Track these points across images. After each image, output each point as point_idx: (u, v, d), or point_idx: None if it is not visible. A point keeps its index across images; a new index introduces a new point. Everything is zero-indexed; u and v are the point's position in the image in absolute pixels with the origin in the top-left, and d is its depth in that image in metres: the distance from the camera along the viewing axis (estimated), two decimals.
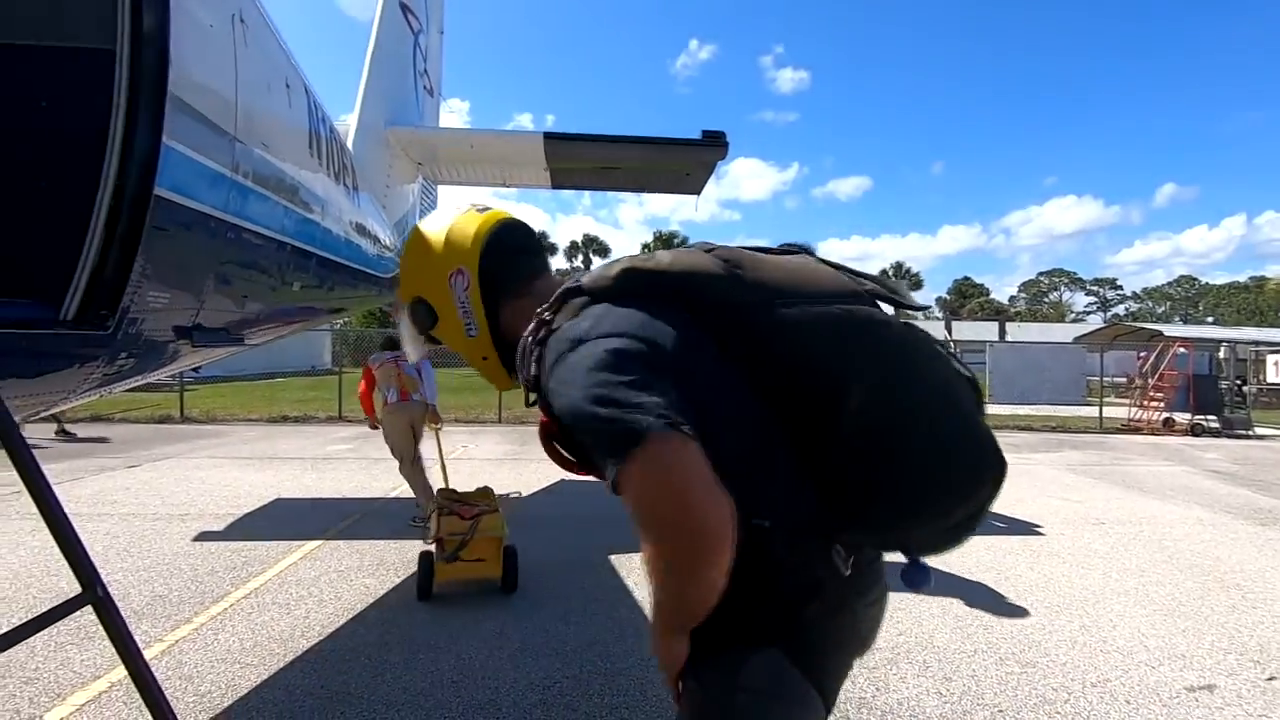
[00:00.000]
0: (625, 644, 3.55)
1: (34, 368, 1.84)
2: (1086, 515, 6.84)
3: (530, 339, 1.07)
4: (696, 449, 0.85)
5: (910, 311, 1.17)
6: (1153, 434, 14.90)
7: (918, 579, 1.10)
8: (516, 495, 7.35)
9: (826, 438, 0.99)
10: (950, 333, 49.55)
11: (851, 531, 1.01)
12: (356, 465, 9.00)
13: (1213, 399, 15.53)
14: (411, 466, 5.93)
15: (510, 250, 1.25)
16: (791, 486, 1.00)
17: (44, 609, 1.44)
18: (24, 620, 1.38)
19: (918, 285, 67.02)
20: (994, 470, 1.03)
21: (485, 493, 4.76)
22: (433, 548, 4.15)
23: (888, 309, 1.09)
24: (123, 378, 2.33)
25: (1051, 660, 3.48)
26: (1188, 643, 3.73)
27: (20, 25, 1.98)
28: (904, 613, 4.00)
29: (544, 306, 1.09)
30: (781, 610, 1.00)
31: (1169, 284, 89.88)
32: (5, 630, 1.32)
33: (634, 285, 1.02)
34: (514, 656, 3.38)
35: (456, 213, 1.29)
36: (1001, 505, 7.10)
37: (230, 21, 2.36)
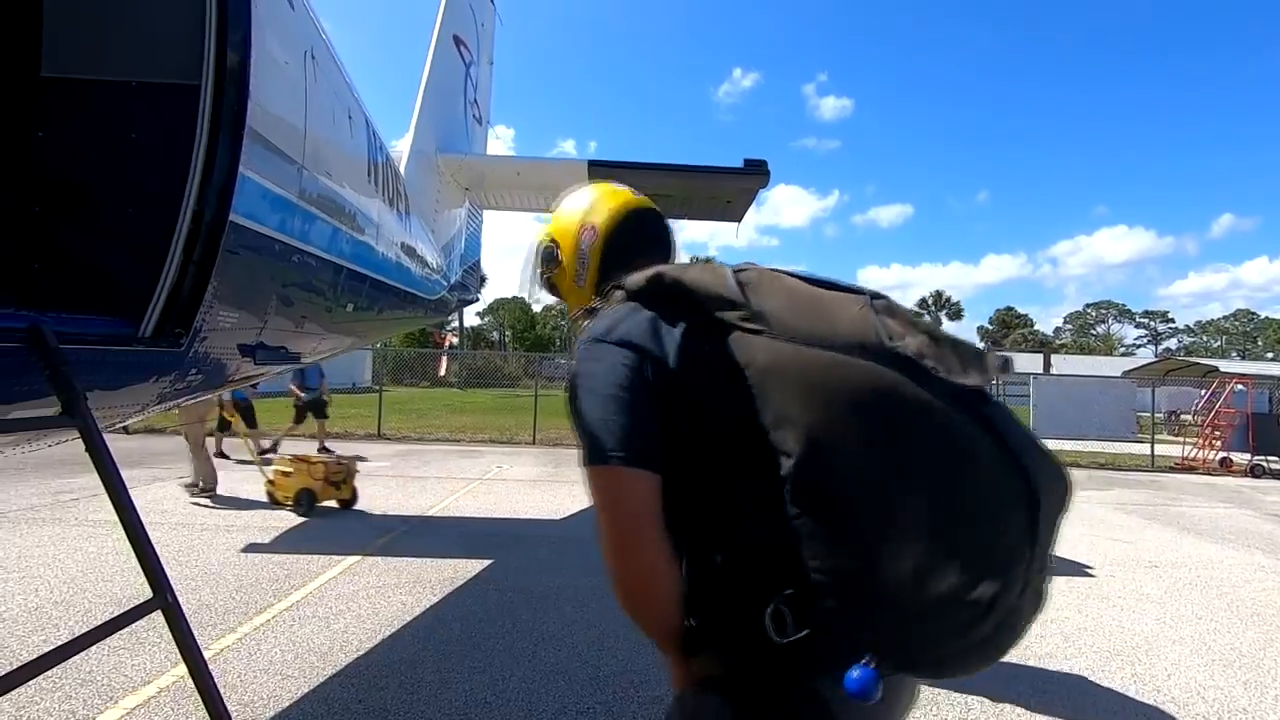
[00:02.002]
0: (658, 673, 3.52)
1: (114, 380, 1.96)
2: (1139, 557, 6.57)
3: (580, 317, 1.17)
4: (649, 489, 0.95)
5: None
6: (1209, 474, 14.28)
7: (860, 685, 0.91)
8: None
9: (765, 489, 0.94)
10: None
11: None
12: (395, 483, 9.16)
13: (1274, 439, 14.82)
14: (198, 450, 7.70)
15: (641, 232, 1.35)
16: (752, 519, 0.96)
17: (99, 613, 1.51)
18: (98, 623, 1.45)
19: (957, 315, 65.77)
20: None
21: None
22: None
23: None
24: (190, 393, 2.45)
25: (1101, 711, 3.35)
26: (1249, 697, 3.55)
27: (115, 63, 2.14)
28: None
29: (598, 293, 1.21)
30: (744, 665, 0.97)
31: (1225, 317, 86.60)
32: (81, 633, 1.40)
33: (658, 290, 1.06)
34: (547, 679, 3.39)
35: (616, 186, 1.42)
36: None
37: (303, 59, 2.51)
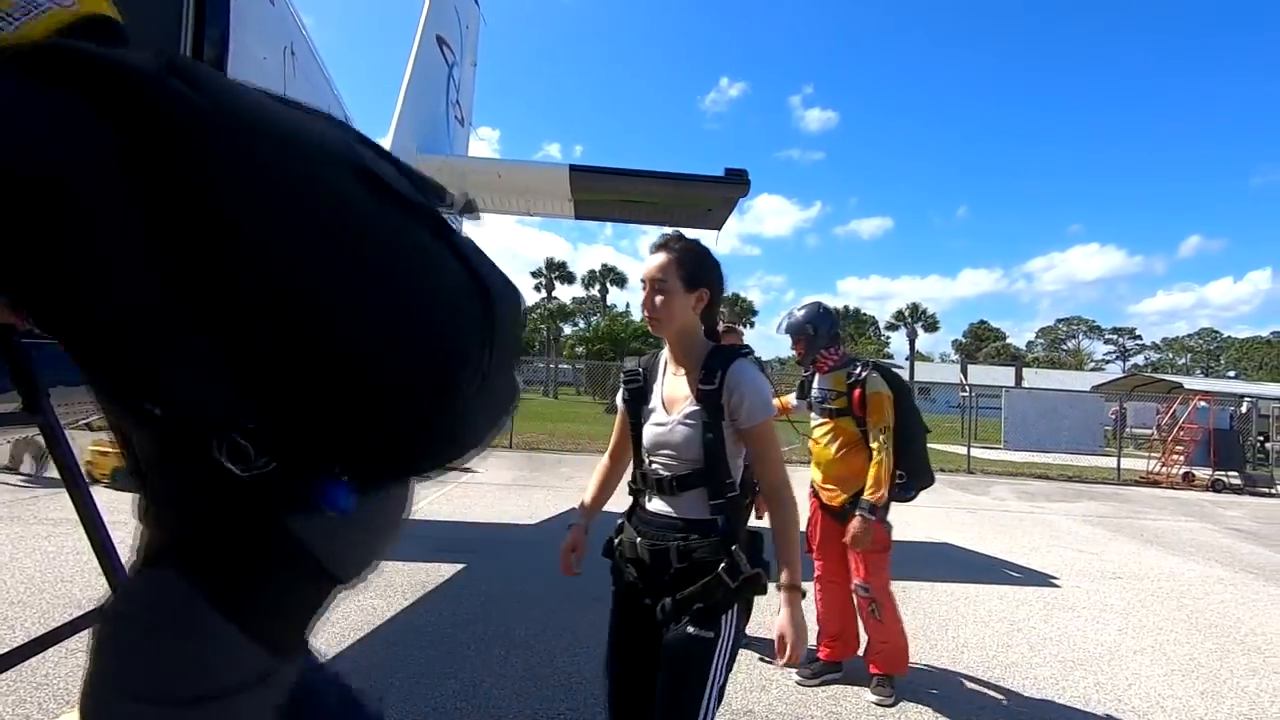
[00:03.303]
0: None
1: (77, 376, 1.90)
2: (1103, 569, 6.71)
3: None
4: None
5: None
6: (1172, 488, 14.63)
7: (331, 498, 0.89)
8: None
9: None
10: (966, 376, 49.15)
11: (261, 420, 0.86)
12: None
13: (1235, 455, 15.24)
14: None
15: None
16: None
17: (57, 614, 1.47)
18: (55, 625, 1.41)
19: (933, 327, 66.64)
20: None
21: None
22: None
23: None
24: None
25: (1064, 718, 3.41)
26: (1206, 706, 3.64)
27: None
28: (913, 659, 3.94)
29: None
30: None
31: (1190, 336, 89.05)
32: (38, 634, 1.36)
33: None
34: (518, 685, 3.36)
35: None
36: (1017, 554, 7.03)
37: (282, 55, 2.48)
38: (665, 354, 1.89)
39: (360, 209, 0.89)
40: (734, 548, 1.66)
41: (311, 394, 0.85)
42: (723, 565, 1.64)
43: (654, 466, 1.81)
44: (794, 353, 3.73)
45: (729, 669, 1.72)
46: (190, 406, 0.85)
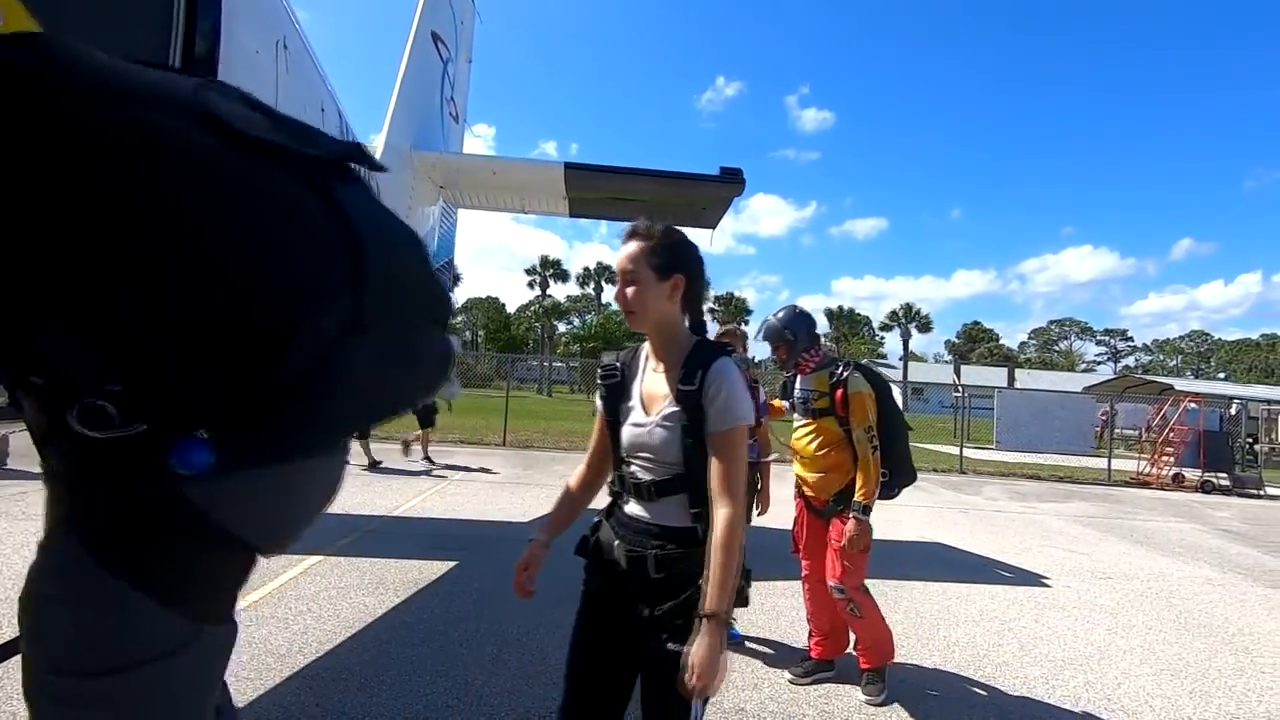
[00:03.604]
0: None
1: None
2: (1093, 569, 6.75)
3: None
4: None
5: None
6: (1162, 489, 14.73)
7: (189, 457, 0.87)
8: None
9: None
10: (959, 376, 49.36)
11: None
12: (362, 481, 9.01)
13: (1224, 456, 15.34)
14: None
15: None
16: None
17: None
18: None
19: (926, 327, 66.88)
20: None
21: None
22: None
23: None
24: None
25: (1054, 717, 3.43)
26: (1194, 705, 3.66)
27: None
28: (903, 658, 3.96)
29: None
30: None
31: (1181, 338, 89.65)
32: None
33: None
34: (510, 682, 3.36)
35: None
36: (1008, 554, 7.06)
37: (275, 48, 2.46)
38: (646, 348, 1.78)
39: (200, 153, 0.87)
40: None
41: (158, 346, 0.84)
42: (703, 579, 1.52)
43: (633, 469, 1.72)
44: (775, 358, 3.75)
45: None
46: (57, 370, 0.84)
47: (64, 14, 2.10)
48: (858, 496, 3.32)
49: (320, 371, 0.93)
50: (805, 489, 3.70)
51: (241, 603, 4.24)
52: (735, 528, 1.53)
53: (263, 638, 3.71)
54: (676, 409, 1.62)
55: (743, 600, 1.62)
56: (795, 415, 3.80)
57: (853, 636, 3.63)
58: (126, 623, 0.87)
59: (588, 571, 1.83)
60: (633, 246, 1.66)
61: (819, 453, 3.57)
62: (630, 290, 1.65)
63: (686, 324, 1.74)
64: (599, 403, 1.83)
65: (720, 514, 1.54)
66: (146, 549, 0.89)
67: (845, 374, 3.48)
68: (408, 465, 10.41)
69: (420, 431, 10.90)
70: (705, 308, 1.80)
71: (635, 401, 1.73)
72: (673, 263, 1.66)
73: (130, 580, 0.86)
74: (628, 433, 1.71)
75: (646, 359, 1.77)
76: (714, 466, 1.57)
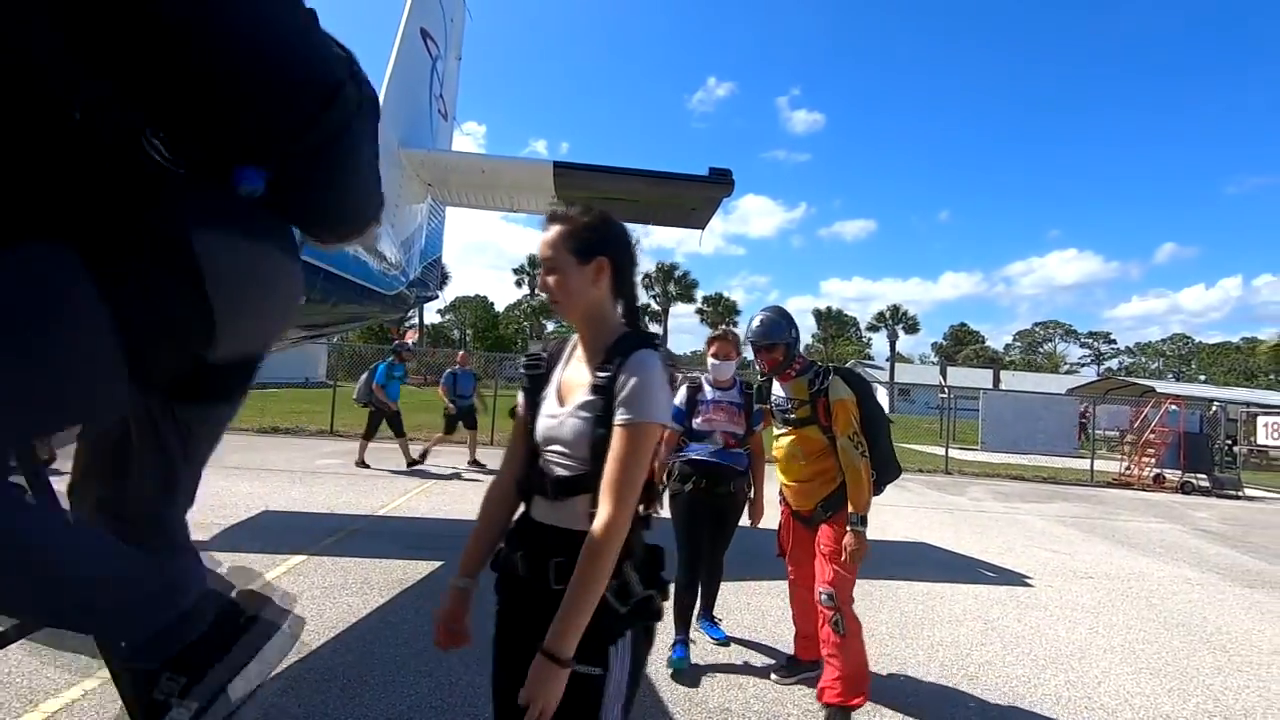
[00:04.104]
0: None
1: None
2: (1075, 569, 6.82)
3: None
4: None
5: None
6: (1143, 489, 14.93)
7: (244, 180, 1.16)
8: None
9: None
10: (945, 378, 49.75)
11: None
12: (346, 480, 8.95)
13: (1204, 457, 15.58)
14: None
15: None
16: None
17: None
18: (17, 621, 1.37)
19: (913, 329, 67.39)
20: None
21: None
22: None
23: None
24: None
25: (1036, 716, 3.46)
26: (1173, 703, 3.72)
27: None
28: (888, 658, 3.98)
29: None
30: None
31: (1163, 341, 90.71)
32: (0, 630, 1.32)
33: None
34: None
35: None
36: (991, 554, 7.12)
37: None
38: (575, 337, 1.64)
39: None
40: (624, 565, 1.40)
41: (197, 98, 1.06)
42: (609, 587, 1.36)
43: (541, 465, 1.56)
44: (765, 364, 3.53)
45: (627, 710, 1.46)
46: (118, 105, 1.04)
47: None
48: (853, 508, 3.21)
49: (338, 145, 1.21)
50: (790, 498, 3.58)
51: None
52: (609, 538, 1.34)
53: None
54: (591, 398, 1.46)
55: (656, 614, 1.49)
56: (775, 423, 3.65)
57: (825, 670, 3.25)
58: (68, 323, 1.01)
59: (496, 589, 1.67)
60: (551, 232, 1.53)
61: (803, 462, 3.45)
62: (552, 278, 1.53)
63: (620, 312, 1.60)
64: (520, 396, 1.66)
65: (597, 518, 1.36)
66: (133, 270, 1.03)
67: (825, 383, 3.37)
68: (430, 467, 10.37)
69: (469, 433, 11.02)
70: (639, 292, 1.65)
71: (551, 392, 1.59)
72: (594, 245, 1.51)
73: (102, 291, 1.01)
74: (541, 424, 1.56)
75: (574, 349, 1.63)
76: (607, 462, 1.39)
